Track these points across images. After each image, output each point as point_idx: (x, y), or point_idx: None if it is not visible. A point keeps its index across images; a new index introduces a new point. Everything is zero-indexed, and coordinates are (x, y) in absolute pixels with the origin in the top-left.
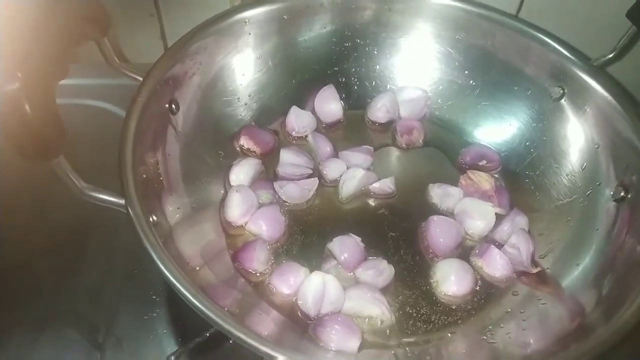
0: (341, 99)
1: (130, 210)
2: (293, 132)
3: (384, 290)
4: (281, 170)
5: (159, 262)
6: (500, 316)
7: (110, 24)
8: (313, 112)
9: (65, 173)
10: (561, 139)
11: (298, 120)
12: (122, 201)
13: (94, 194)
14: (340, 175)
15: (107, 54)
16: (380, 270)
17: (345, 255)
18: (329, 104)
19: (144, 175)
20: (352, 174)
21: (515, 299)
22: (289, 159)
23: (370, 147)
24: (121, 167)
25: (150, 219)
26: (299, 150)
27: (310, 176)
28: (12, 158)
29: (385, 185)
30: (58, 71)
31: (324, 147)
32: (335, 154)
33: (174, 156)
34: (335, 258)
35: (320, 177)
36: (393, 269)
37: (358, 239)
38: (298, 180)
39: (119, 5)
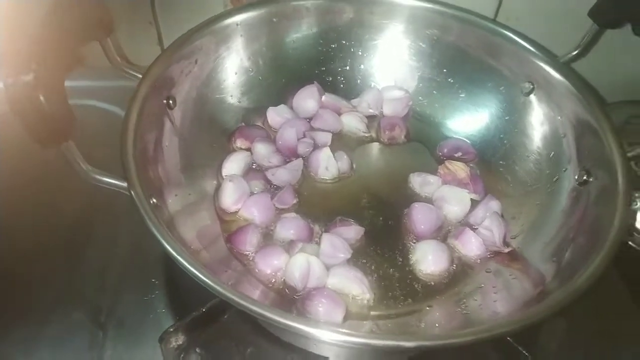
0: None
1: (132, 192)
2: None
3: (363, 266)
4: (258, 161)
5: (158, 236)
6: (474, 290)
7: (113, 27)
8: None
9: (73, 157)
10: (531, 130)
11: (278, 116)
12: (125, 184)
13: (98, 176)
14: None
15: (109, 53)
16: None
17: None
18: (305, 102)
19: (145, 164)
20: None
21: (488, 275)
22: (261, 150)
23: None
24: (122, 152)
25: (151, 201)
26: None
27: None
28: (23, 146)
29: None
30: (67, 64)
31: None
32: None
33: (172, 148)
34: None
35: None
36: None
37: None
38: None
39: (119, 14)
